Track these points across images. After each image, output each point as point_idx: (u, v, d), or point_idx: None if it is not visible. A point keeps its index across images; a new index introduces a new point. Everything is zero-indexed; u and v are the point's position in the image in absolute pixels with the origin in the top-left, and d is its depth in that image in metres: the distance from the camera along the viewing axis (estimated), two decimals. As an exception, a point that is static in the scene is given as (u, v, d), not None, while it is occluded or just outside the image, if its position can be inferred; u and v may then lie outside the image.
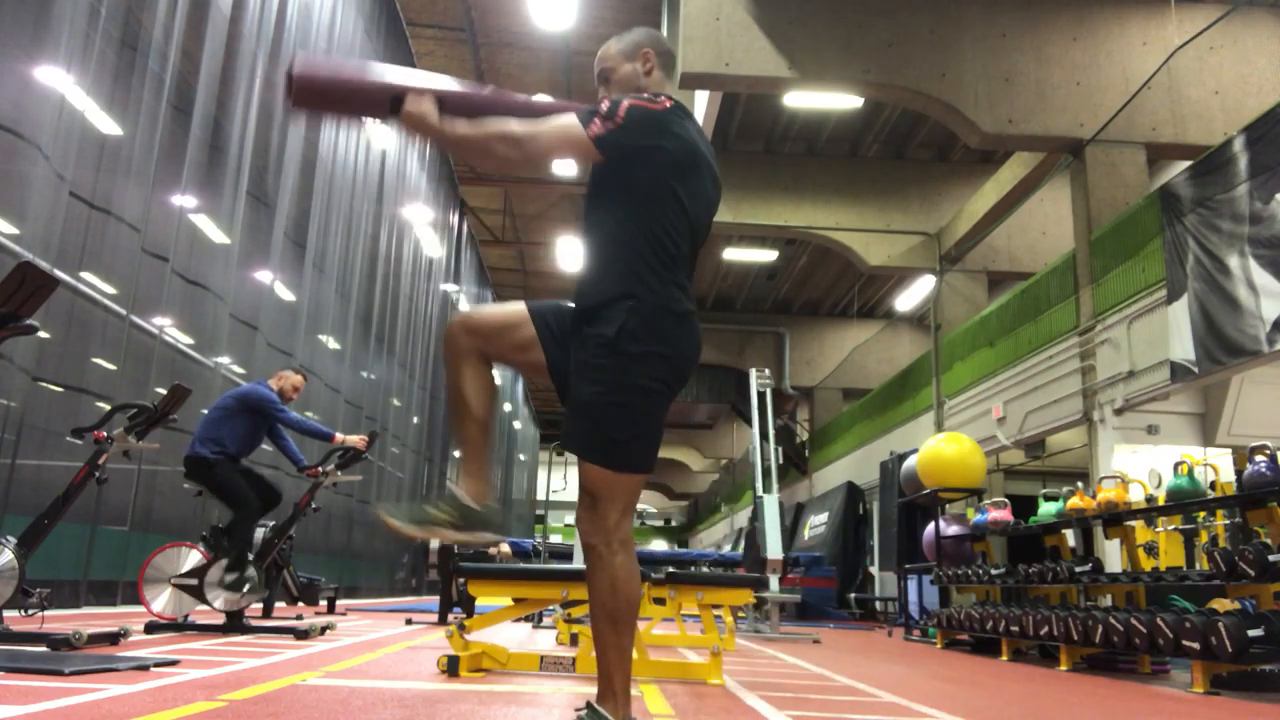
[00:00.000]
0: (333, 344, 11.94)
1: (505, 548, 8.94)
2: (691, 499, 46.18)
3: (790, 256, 19.06)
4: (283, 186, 9.42)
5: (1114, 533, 6.02)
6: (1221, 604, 4.95)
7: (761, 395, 11.10)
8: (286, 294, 10.19)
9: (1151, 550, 7.66)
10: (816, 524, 18.00)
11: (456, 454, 2.23)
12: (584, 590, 2.13)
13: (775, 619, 8.93)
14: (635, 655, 3.91)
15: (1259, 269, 7.19)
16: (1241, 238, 7.40)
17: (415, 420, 16.25)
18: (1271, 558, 4.39)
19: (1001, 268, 14.57)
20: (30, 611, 4.15)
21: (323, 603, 8.58)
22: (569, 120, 2.12)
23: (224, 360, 8.63)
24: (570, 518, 37.77)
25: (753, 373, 11.30)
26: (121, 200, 6.70)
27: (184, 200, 7.82)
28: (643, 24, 2.46)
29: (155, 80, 6.92)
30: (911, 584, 10.20)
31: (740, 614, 9.56)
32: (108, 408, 4.85)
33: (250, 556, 5.22)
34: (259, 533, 6.16)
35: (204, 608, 5.26)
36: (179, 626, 5.16)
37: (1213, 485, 5.57)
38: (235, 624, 5.16)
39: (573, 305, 2.18)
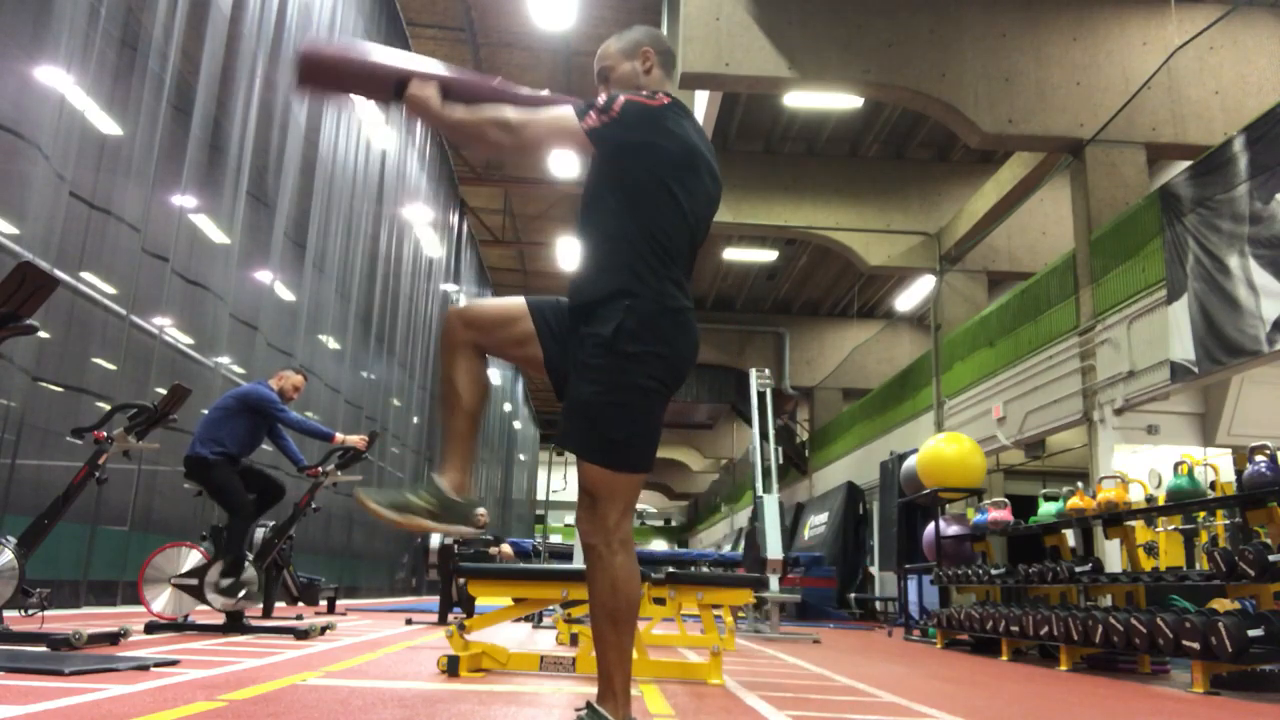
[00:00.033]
0: (333, 344, 11.94)
1: (506, 548, 8.93)
2: (691, 499, 46.19)
3: (790, 256, 19.07)
4: (283, 186, 9.42)
5: (1114, 533, 6.02)
6: (1221, 604, 4.95)
7: (761, 395, 11.11)
8: (286, 294, 10.19)
9: (1151, 550, 7.66)
10: (816, 524, 18.00)
11: (442, 444, 2.23)
12: (584, 590, 2.13)
13: (775, 619, 8.93)
14: (635, 655, 3.91)
15: (1259, 269, 7.19)
16: (1241, 238, 7.40)
17: (415, 420, 16.25)
18: (1271, 558, 4.39)
19: (1001, 268, 14.57)
20: (30, 611, 4.15)
21: (323, 603, 8.58)
22: (564, 111, 2.13)
23: (224, 360, 8.63)
24: (570, 518, 37.81)
25: (753, 373, 11.30)
26: (121, 200, 6.70)
27: (184, 200, 7.82)
28: (643, 24, 2.46)
29: (155, 80, 6.92)
30: (911, 584, 10.20)
31: (740, 614, 9.56)
32: (108, 408, 4.85)
33: (247, 561, 5.22)
34: (259, 533, 6.16)
35: (204, 608, 5.26)
36: (179, 626, 5.16)
37: (1213, 485, 5.57)
38: (235, 624, 5.16)
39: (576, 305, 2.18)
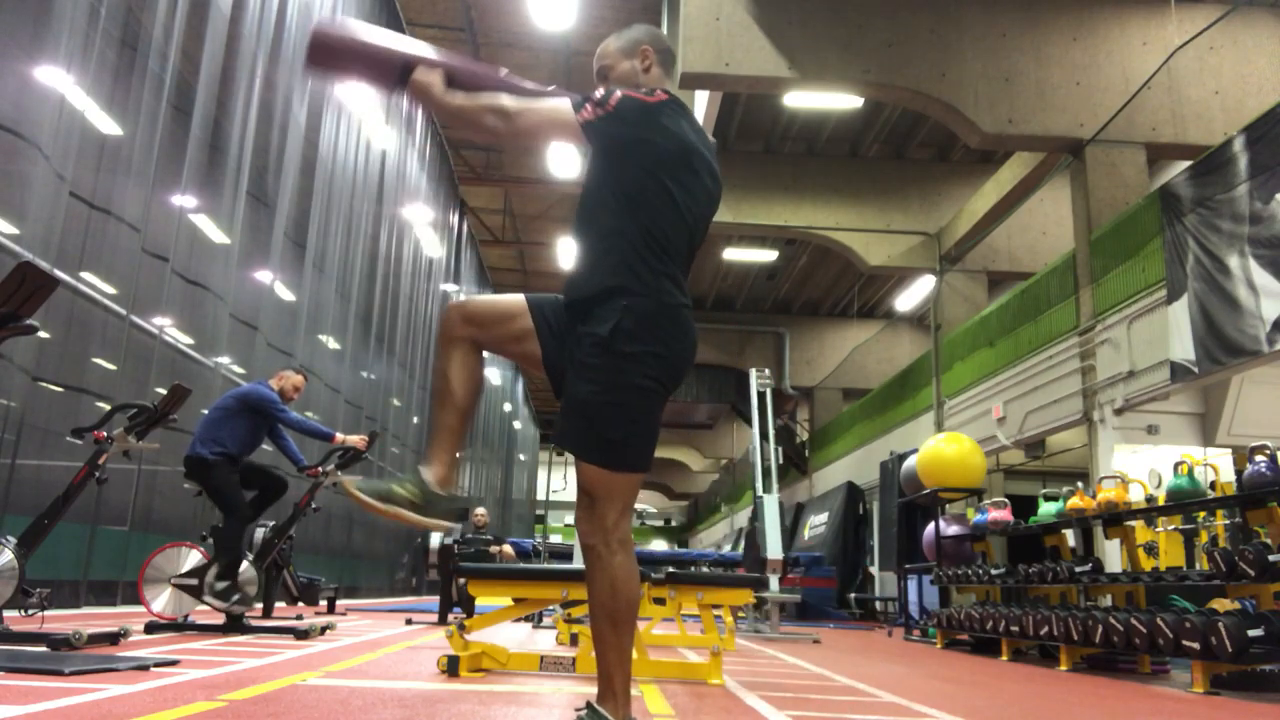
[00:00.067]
0: (333, 344, 11.94)
1: (507, 548, 8.93)
2: (691, 499, 46.19)
3: (790, 256, 19.07)
4: (283, 186, 9.42)
5: (1114, 533, 6.02)
6: (1221, 604, 4.95)
7: (761, 395, 11.11)
8: (286, 294, 10.19)
9: (1151, 550, 7.65)
10: (816, 524, 18.00)
11: (430, 436, 2.23)
12: (584, 590, 2.13)
13: (775, 619, 8.93)
14: (635, 655, 3.91)
15: (1259, 269, 7.19)
16: (1241, 238, 7.40)
17: (415, 420, 16.25)
18: (1271, 558, 4.39)
19: (1001, 268, 14.57)
20: (30, 611, 4.15)
21: (323, 603, 8.58)
22: (561, 102, 2.15)
23: (224, 360, 8.63)
24: (570, 518, 37.77)
25: (753, 373, 11.30)
26: (121, 200, 6.70)
27: (184, 200, 7.82)
28: (642, 23, 2.46)
29: (155, 80, 6.92)
30: (911, 584, 10.20)
31: (740, 614, 9.56)
32: (108, 408, 4.84)
33: (246, 560, 5.21)
34: (259, 533, 6.16)
35: (204, 608, 5.26)
36: (179, 626, 5.16)
37: (1213, 485, 5.57)
38: (235, 624, 5.16)
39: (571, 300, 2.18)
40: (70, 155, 6.01)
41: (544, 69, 13.91)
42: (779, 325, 21.44)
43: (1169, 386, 8.37)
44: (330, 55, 2.20)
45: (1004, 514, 7.47)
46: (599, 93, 2.16)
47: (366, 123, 11.86)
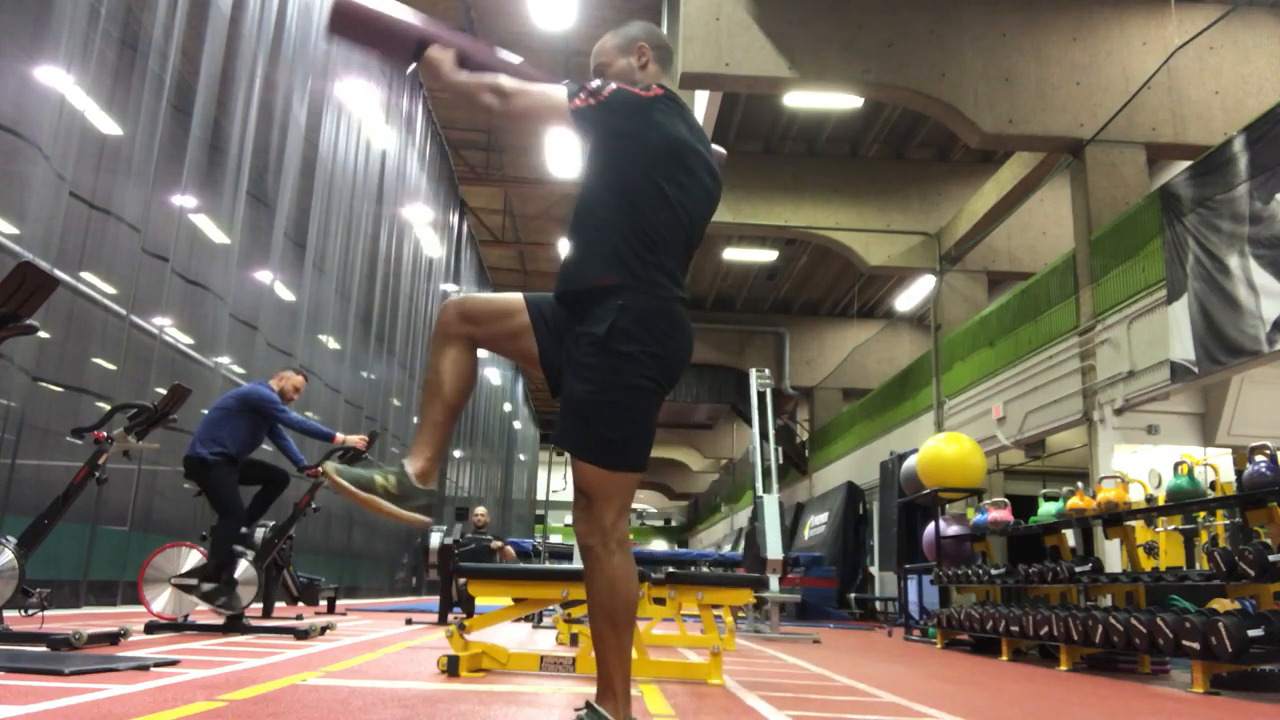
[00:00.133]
0: (333, 344, 11.94)
1: (508, 548, 8.93)
2: (691, 499, 46.19)
3: (790, 256, 19.07)
4: (283, 186, 9.42)
5: (1114, 533, 6.02)
6: (1221, 604, 4.95)
7: (761, 395, 11.11)
8: (286, 294, 10.19)
9: (1151, 550, 7.65)
10: (816, 524, 18.00)
11: (416, 430, 2.23)
12: (584, 590, 2.13)
13: (775, 619, 8.93)
14: (635, 655, 3.92)
15: (1259, 269, 7.19)
16: (1241, 238, 7.40)
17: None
18: (1271, 558, 4.39)
19: (1001, 268, 14.57)
20: (30, 611, 4.15)
21: (323, 603, 8.58)
22: (556, 88, 2.19)
23: (224, 360, 8.63)
24: (570, 518, 37.76)
25: (753, 373, 11.30)
26: (121, 200, 6.70)
27: (184, 200, 7.82)
28: (640, 21, 2.47)
29: (155, 80, 6.93)
30: (911, 584, 10.20)
31: (740, 614, 9.56)
32: (108, 408, 4.85)
33: (246, 561, 5.21)
34: (259, 532, 6.16)
35: (204, 607, 5.26)
36: (179, 626, 5.16)
37: (1213, 485, 5.57)
38: (235, 624, 5.16)
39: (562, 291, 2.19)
40: (70, 155, 6.01)
41: (544, 69, 13.80)
42: (779, 325, 21.44)
43: (1169, 386, 8.37)
44: (351, 24, 2.27)
45: (1004, 514, 7.47)
46: (595, 83, 2.19)
47: (366, 123, 11.86)
